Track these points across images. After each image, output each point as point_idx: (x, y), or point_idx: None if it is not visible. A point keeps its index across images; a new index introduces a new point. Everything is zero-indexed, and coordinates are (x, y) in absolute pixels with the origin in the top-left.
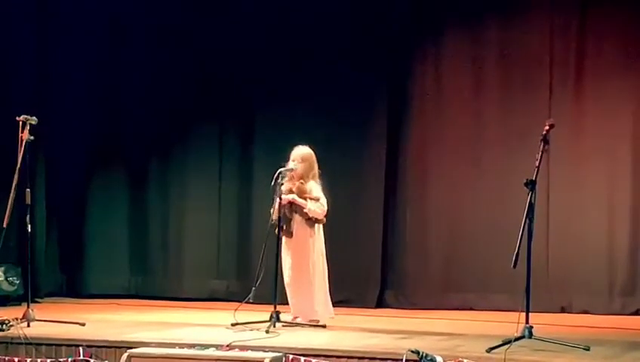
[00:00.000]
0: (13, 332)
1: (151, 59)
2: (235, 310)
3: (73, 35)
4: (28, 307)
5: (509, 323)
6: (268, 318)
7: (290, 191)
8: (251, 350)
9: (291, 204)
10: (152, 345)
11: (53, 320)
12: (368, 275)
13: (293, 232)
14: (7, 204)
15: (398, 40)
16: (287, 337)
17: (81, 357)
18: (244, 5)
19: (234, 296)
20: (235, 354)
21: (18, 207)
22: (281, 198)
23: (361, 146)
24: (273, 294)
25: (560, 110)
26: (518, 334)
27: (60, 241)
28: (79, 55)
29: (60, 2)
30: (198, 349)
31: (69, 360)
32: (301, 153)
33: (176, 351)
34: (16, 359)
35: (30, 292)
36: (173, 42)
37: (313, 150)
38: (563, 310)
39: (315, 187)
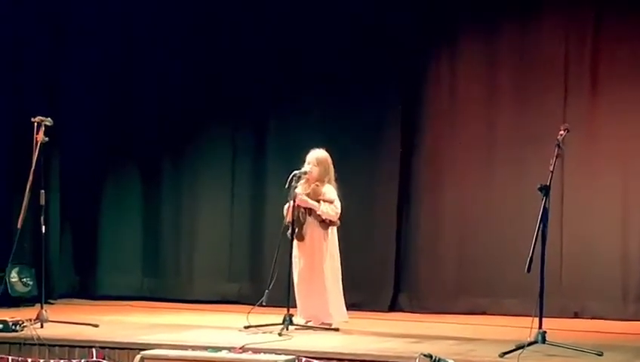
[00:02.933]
0: (27, 333)
1: (163, 60)
2: (249, 313)
3: (86, 36)
4: (41, 308)
5: (522, 327)
6: (281, 321)
7: (307, 195)
8: (264, 352)
9: (305, 207)
10: (165, 346)
11: (67, 321)
12: (381, 279)
13: (305, 236)
14: (21, 205)
15: (412, 43)
16: (299, 340)
17: (94, 359)
18: (258, 7)
19: (246, 298)
20: (248, 356)
21: (32, 208)
22: (294, 201)
23: (374, 151)
24: (286, 297)
25: (575, 114)
26: (531, 339)
27: (73, 243)
28: (92, 56)
29: (73, 6)
30: (210, 351)
31: (82, 361)
32: (317, 156)
33: (189, 353)
34: (29, 360)
35: (44, 294)
36: (186, 43)
37: (327, 153)
38: (576, 315)
39: (330, 190)
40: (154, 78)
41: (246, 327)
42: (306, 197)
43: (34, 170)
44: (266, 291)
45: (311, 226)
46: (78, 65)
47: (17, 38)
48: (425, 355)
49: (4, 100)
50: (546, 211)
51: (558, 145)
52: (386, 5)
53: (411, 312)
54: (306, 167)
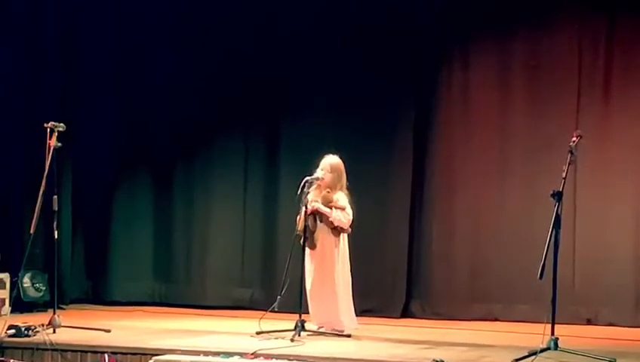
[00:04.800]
0: (39, 338)
1: (176, 67)
2: (261, 318)
3: (100, 43)
4: (54, 313)
5: (535, 334)
6: (293, 327)
7: (316, 201)
8: (276, 358)
9: (316, 214)
10: (177, 352)
11: (79, 327)
12: (394, 285)
13: (317, 244)
14: (34, 210)
15: (424, 50)
16: (311, 346)
17: None
18: (271, 15)
19: (258, 304)
20: None
21: (45, 214)
22: (306, 208)
23: (387, 157)
24: (299, 303)
25: (588, 121)
26: (544, 345)
27: (85, 248)
28: (106, 63)
29: (87, 11)
30: (223, 357)
31: None
32: (330, 162)
33: (201, 358)
34: None
35: (56, 299)
36: (198, 50)
37: (340, 159)
38: (589, 322)
39: (342, 197)
40: (167, 85)
41: (258, 333)
42: (319, 204)
43: (46, 175)
44: (278, 297)
45: (322, 234)
46: (91, 71)
47: (32, 44)
48: (437, 361)
49: (18, 106)
50: (558, 217)
51: (571, 152)
52: (400, 11)
53: (423, 319)
54: (318, 173)
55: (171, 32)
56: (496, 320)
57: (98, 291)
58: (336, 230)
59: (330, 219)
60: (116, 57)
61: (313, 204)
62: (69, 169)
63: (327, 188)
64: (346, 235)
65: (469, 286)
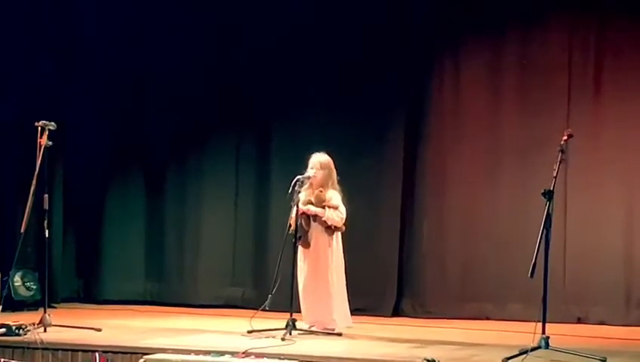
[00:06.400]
0: (30, 337)
1: (170, 67)
2: (252, 317)
3: (94, 41)
4: (45, 312)
5: (526, 333)
6: (284, 326)
7: (309, 201)
8: (267, 357)
9: (309, 214)
10: (168, 351)
11: (70, 326)
12: (385, 284)
13: (311, 242)
14: (25, 209)
15: (417, 50)
16: (302, 345)
17: None
18: (262, 16)
19: (249, 303)
20: (251, 361)
21: (36, 212)
22: (298, 207)
23: (378, 156)
24: (290, 302)
25: (578, 120)
26: (535, 344)
27: (76, 247)
28: (100, 62)
29: (84, 13)
30: (213, 356)
31: None
32: (320, 160)
33: (192, 357)
34: None
35: (47, 298)
36: (193, 52)
37: (329, 156)
38: (579, 321)
39: (334, 195)
40: (160, 87)
41: (249, 332)
42: (312, 206)
43: (37, 174)
44: (270, 296)
45: (316, 233)
46: (86, 71)
47: (29, 42)
48: (428, 360)
49: (11, 105)
50: (549, 216)
51: (562, 151)
52: (391, 12)
53: (414, 317)
54: (309, 172)
55: (167, 32)
56: (487, 319)
57: (89, 290)
58: (330, 229)
59: (324, 219)
60: (110, 57)
61: (308, 206)
62: (60, 168)
63: (319, 186)
64: (339, 234)
65: (460, 285)
